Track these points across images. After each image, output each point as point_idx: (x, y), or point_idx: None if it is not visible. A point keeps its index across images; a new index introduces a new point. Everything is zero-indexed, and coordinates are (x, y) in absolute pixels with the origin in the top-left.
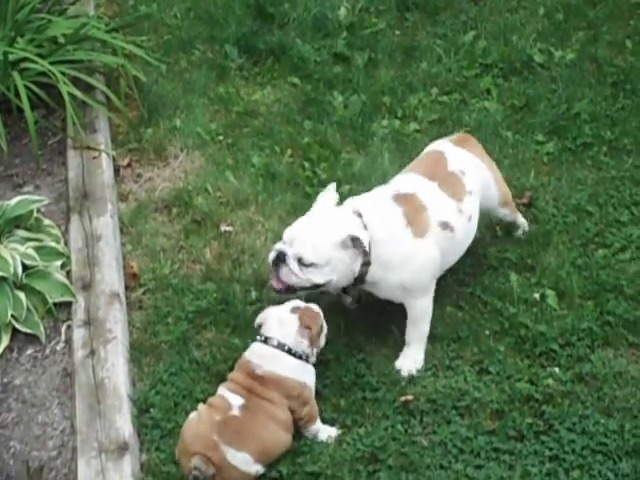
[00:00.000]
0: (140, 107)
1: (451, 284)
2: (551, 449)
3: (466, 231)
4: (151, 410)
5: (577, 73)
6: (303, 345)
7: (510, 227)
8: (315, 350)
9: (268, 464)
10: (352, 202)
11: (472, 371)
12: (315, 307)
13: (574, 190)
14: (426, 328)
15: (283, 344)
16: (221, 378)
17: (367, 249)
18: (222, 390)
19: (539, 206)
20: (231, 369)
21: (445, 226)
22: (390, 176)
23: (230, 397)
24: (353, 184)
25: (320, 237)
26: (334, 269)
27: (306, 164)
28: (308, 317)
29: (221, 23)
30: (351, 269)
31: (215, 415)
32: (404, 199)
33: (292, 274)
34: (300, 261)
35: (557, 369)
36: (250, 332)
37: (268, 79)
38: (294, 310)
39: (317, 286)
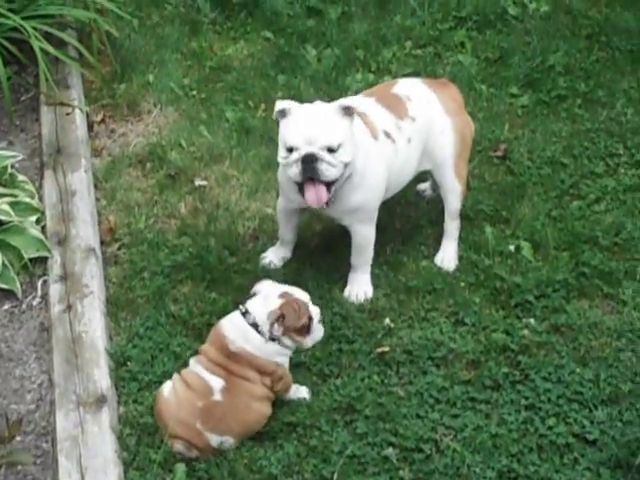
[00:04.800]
0: (113, 62)
1: (426, 237)
2: (527, 398)
3: (406, 154)
4: (128, 363)
5: (551, 25)
6: (274, 330)
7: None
8: (292, 341)
9: None
10: None
11: (448, 322)
12: (305, 301)
13: (549, 142)
14: (371, 254)
15: (257, 323)
16: (197, 332)
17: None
18: (198, 369)
19: (514, 158)
20: (208, 324)
21: (387, 135)
22: None
23: (210, 379)
24: None
25: (327, 119)
26: (350, 141)
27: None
28: (290, 307)
29: None
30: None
31: (197, 401)
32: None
33: (330, 166)
34: (329, 149)
35: (532, 320)
36: (225, 287)
37: (241, 33)
38: (283, 295)
39: (346, 165)
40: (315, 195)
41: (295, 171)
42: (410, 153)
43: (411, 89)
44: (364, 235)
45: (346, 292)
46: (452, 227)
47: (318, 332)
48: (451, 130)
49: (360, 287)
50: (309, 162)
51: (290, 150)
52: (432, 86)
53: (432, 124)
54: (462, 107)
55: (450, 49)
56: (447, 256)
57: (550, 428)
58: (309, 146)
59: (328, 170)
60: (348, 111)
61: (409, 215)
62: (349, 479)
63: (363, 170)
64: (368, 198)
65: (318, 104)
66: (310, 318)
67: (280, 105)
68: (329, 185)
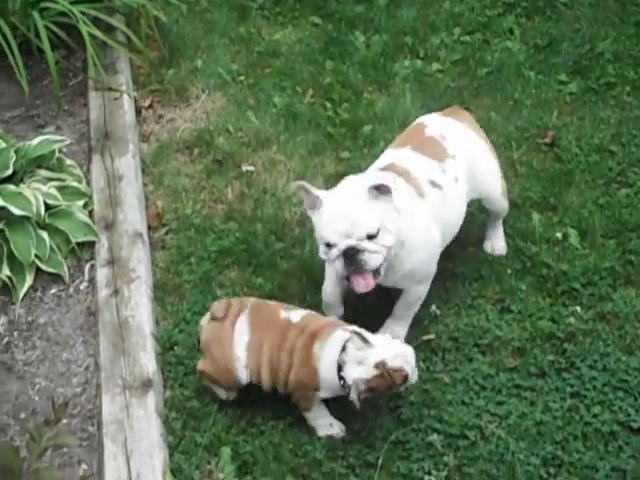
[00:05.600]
0: (161, 48)
1: (473, 224)
2: (572, 386)
3: (456, 193)
4: (175, 348)
5: (600, 12)
6: (356, 395)
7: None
8: (359, 396)
9: None
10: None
11: (494, 309)
12: (400, 366)
13: (597, 130)
14: (417, 308)
15: (342, 364)
16: None
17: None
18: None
19: (562, 145)
20: None
21: (434, 184)
22: (412, 117)
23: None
24: (375, 124)
25: (361, 207)
26: (389, 221)
27: (327, 104)
28: (382, 380)
29: None
30: (396, 217)
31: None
32: (390, 169)
33: (373, 252)
34: (369, 237)
35: (579, 308)
36: (271, 272)
37: (289, 19)
38: (378, 366)
39: (390, 247)
40: (364, 282)
41: (338, 266)
42: (459, 192)
43: (441, 125)
44: (419, 294)
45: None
46: (499, 219)
47: (410, 383)
48: (489, 153)
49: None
50: (350, 256)
51: (329, 245)
52: (455, 116)
53: (472, 154)
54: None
55: (498, 36)
56: (496, 242)
57: (595, 416)
58: (347, 239)
59: (372, 259)
60: (383, 190)
61: None
62: (393, 464)
63: (413, 233)
64: (425, 259)
65: (349, 187)
66: (405, 379)
67: (308, 195)
68: (377, 269)
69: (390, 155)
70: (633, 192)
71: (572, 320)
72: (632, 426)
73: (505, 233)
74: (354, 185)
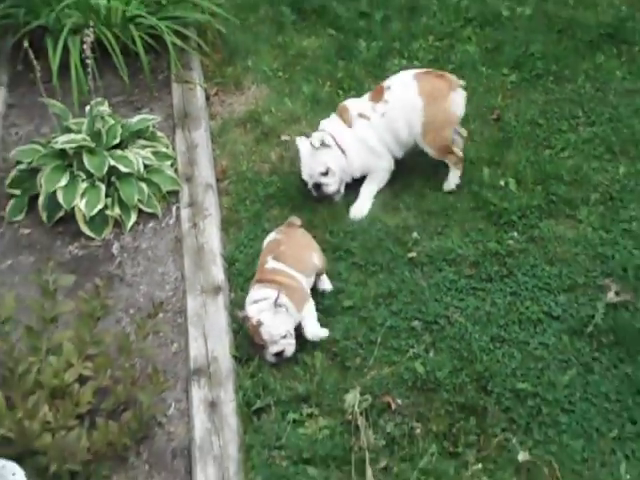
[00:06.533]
0: (222, 52)
1: (443, 175)
2: (511, 287)
3: (384, 125)
4: (236, 264)
5: (533, 24)
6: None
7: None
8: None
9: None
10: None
11: (457, 235)
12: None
13: (529, 108)
14: (376, 187)
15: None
16: None
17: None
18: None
19: (504, 120)
20: None
21: (361, 116)
22: None
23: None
24: None
25: (310, 159)
26: (331, 162)
27: (340, 92)
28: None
29: None
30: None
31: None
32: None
33: (328, 185)
34: (323, 174)
35: (516, 233)
36: (302, 210)
37: (312, 30)
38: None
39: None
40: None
41: (313, 193)
42: (388, 124)
43: (395, 79)
44: (377, 177)
45: (352, 213)
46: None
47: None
48: (421, 111)
49: (362, 212)
50: (315, 187)
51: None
52: (420, 75)
53: (405, 102)
54: (441, 94)
55: (460, 41)
56: (447, 181)
57: (527, 308)
58: (310, 179)
59: (328, 188)
60: (323, 144)
61: (431, 161)
62: (388, 342)
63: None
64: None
65: (305, 146)
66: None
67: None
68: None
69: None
70: (554, 152)
71: (511, 242)
72: (553, 314)
73: (463, 182)
74: (306, 144)
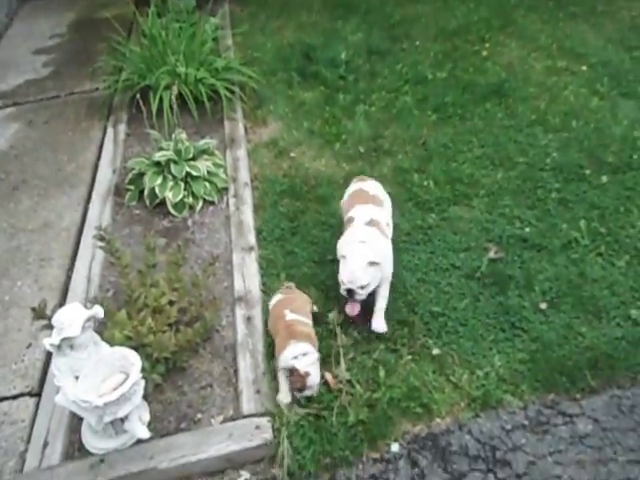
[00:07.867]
0: (255, 101)
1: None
2: (430, 248)
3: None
4: (262, 233)
5: (447, 83)
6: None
7: None
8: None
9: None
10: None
11: (398, 216)
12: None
13: (444, 137)
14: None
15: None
16: (291, 217)
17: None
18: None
19: (428, 144)
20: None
21: (388, 224)
22: (364, 132)
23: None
24: (346, 135)
25: (362, 272)
26: (374, 277)
27: (327, 127)
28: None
29: (290, 61)
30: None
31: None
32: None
33: (361, 295)
34: (362, 287)
35: (434, 215)
36: (305, 202)
37: (310, 87)
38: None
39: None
40: (350, 308)
41: (343, 293)
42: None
43: (370, 186)
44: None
45: (374, 327)
46: None
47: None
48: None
49: (383, 324)
50: (349, 292)
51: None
52: (369, 181)
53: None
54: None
55: (402, 94)
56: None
57: (440, 261)
58: (350, 284)
59: (359, 296)
60: (374, 263)
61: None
62: None
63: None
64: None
65: (359, 255)
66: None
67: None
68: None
69: (364, 211)
70: (458, 164)
71: (430, 220)
72: (455, 265)
73: (402, 182)
74: (361, 255)
